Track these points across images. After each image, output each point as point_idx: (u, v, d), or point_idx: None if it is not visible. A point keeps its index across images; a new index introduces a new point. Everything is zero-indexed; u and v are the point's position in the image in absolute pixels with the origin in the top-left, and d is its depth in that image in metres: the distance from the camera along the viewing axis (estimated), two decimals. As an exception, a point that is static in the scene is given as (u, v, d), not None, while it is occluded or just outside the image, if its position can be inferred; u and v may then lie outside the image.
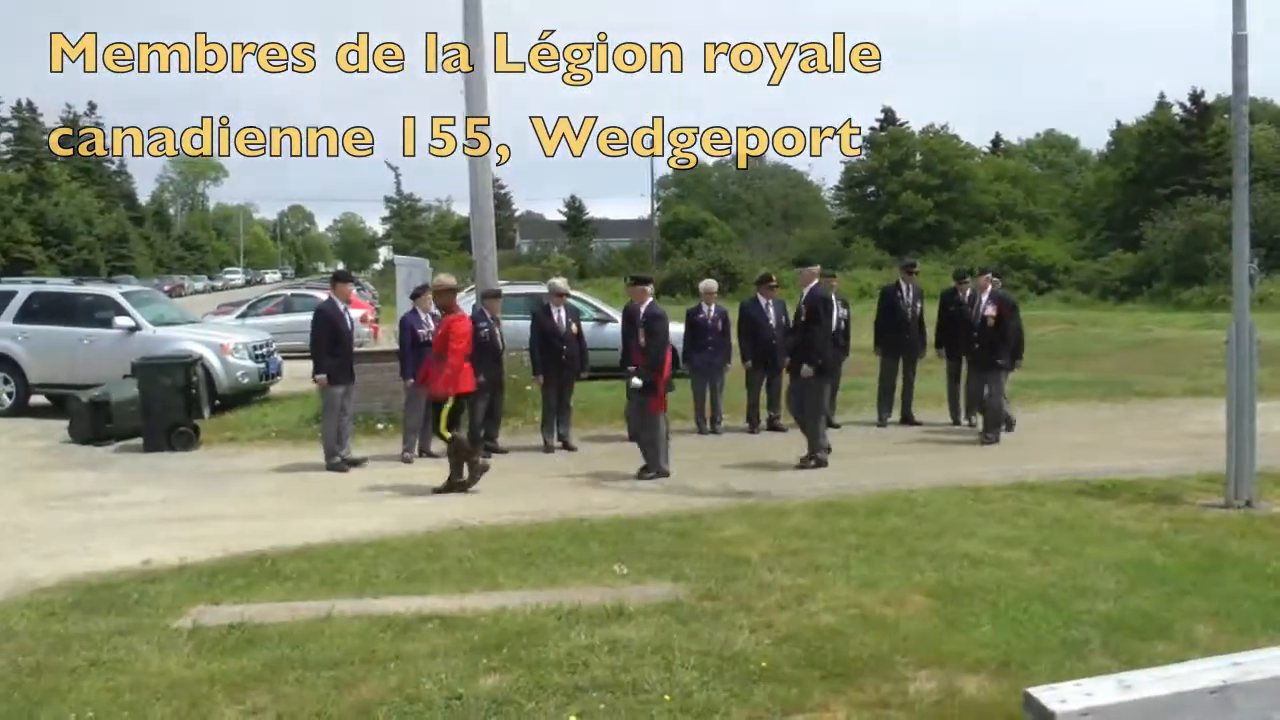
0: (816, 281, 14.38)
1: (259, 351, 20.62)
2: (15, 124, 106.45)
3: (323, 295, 30.16)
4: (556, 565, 8.90)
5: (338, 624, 7.40)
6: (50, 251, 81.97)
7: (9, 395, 20.11)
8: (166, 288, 60.49)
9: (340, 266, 58.18)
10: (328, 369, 14.19)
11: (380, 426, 16.67)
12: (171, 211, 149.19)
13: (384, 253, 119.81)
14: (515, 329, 16.11)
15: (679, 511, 11.01)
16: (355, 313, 22.56)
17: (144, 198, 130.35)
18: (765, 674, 6.38)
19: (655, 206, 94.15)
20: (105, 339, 19.72)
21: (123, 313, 19.95)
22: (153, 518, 11.79)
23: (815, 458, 13.81)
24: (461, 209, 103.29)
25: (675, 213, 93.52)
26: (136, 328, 19.75)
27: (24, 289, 21.39)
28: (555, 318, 15.63)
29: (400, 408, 15.86)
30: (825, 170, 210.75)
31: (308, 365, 14.80)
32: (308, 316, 28.61)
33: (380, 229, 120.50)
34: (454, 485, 12.53)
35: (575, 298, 16.81)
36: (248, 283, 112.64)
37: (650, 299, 14.13)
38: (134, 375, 16.81)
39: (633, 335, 15.01)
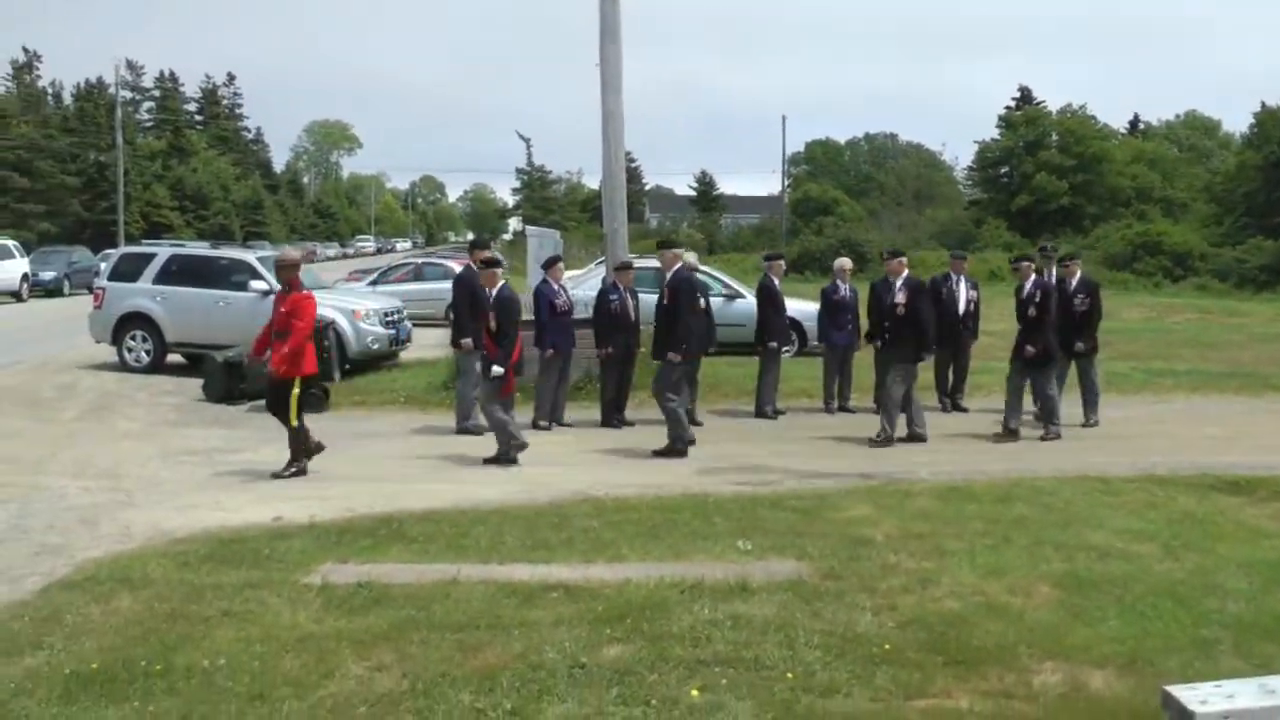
0: (680, 264, 14.00)
1: (390, 318, 20.89)
2: (157, 93, 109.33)
3: (452, 263, 30.62)
4: (680, 539, 8.91)
5: (463, 588, 7.49)
6: (188, 216, 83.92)
7: (147, 353, 20.68)
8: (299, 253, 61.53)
9: (471, 236, 58.87)
10: (470, 334, 14.33)
11: (517, 395, 16.79)
12: (305, 180, 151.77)
13: (514, 223, 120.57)
14: (643, 303, 16.10)
15: (803, 490, 10.95)
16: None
17: (279, 166, 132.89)
18: (888, 657, 6.32)
19: (786, 183, 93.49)
20: (240, 301, 20.13)
21: (258, 276, 20.34)
22: (283, 476, 12.04)
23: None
24: (592, 181, 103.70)
25: (806, 190, 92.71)
26: (270, 291, 20.11)
27: (163, 251, 21.98)
28: (686, 292, 15.62)
29: (531, 376, 15.97)
30: (958, 149, 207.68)
31: (436, 332, 14.96)
32: (437, 285, 29.26)
33: (510, 200, 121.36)
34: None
35: (704, 273, 16.78)
36: (379, 250, 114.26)
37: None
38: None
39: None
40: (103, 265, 30.95)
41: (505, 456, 12.48)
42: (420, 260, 38.13)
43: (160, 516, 10.11)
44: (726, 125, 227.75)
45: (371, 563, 8.22)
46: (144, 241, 29.81)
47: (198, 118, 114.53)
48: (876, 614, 7.06)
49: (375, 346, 20.33)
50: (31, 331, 28.04)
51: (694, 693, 5.80)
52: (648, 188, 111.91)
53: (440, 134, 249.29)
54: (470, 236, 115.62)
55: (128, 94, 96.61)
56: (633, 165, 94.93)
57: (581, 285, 20.75)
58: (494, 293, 12.91)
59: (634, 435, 14.44)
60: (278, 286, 19.91)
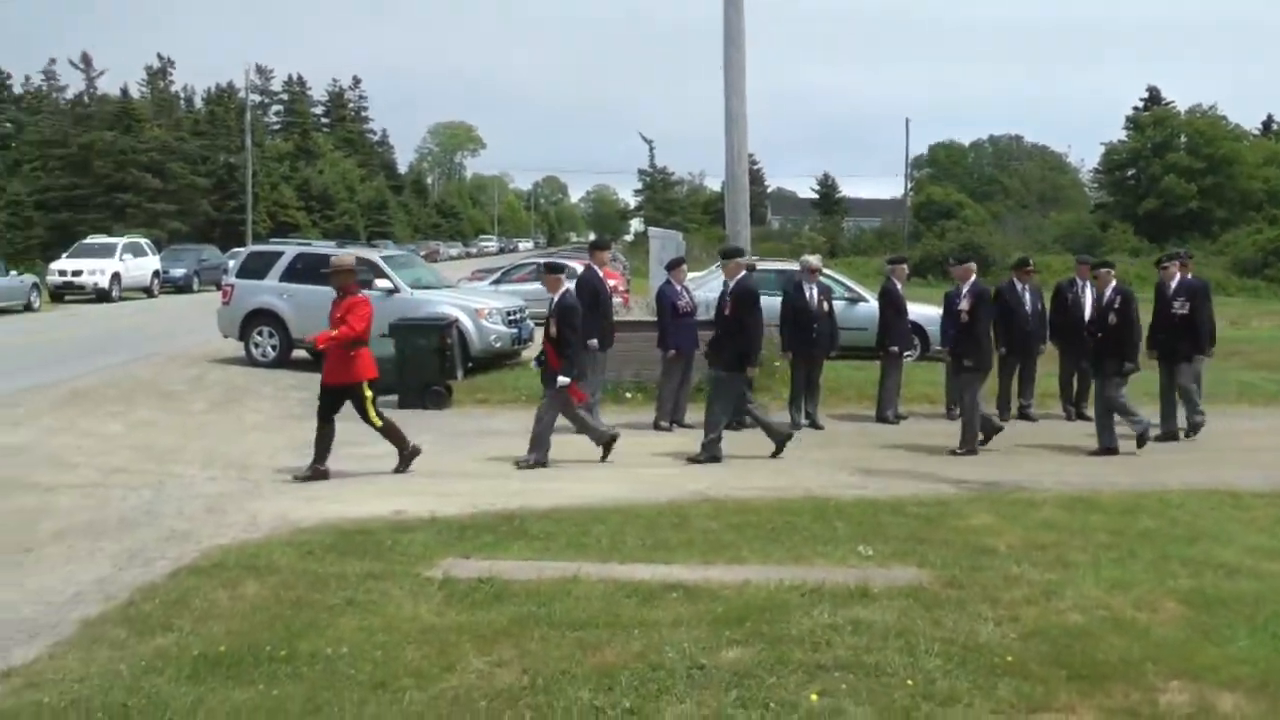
0: (743, 273, 13.82)
1: (512, 317, 21.08)
2: (285, 97, 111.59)
3: (574, 264, 30.75)
4: (801, 542, 8.86)
5: (583, 586, 7.53)
6: (314, 216, 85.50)
7: (273, 348, 21.14)
8: (423, 253, 62.24)
9: (593, 236, 59.00)
10: (594, 334, 14.43)
11: (629, 395, 16.87)
12: (429, 180, 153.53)
13: (635, 224, 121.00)
14: (765, 305, 16.04)
15: (925, 496, 10.83)
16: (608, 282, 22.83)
17: (403, 167, 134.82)
18: (1010, 668, 6.21)
19: (908, 186, 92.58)
20: (364, 300, 20.42)
21: (382, 275, 20.65)
22: (404, 471, 12.21)
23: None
24: (714, 183, 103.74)
25: (928, 193, 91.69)
26: (395, 290, 20.40)
27: (290, 250, 22.46)
28: (807, 295, 15.53)
29: (652, 377, 16.03)
30: (1085, 151, 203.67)
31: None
32: (560, 285, 29.31)
33: (632, 201, 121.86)
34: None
35: (827, 275, 16.72)
36: (501, 250, 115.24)
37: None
38: (391, 335, 17.40)
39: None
40: (231, 263, 31.59)
41: (530, 464, 12.40)
42: (542, 260, 38.37)
43: (286, 507, 10.34)
44: (849, 127, 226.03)
45: (493, 559, 8.29)
46: (271, 240, 30.43)
47: (324, 120, 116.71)
48: (998, 624, 6.94)
49: (498, 345, 20.53)
50: (162, 326, 28.73)
51: (813, 697, 5.76)
52: (770, 190, 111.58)
53: (563, 135, 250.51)
54: (592, 237, 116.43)
55: (257, 98, 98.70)
56: (755, 167, 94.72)
57: (702, 287, 20.74)
58: (556, 299, 12.74)
59: (754, 438, 14.38)
60: (403, 285, 20.44)
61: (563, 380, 12.34)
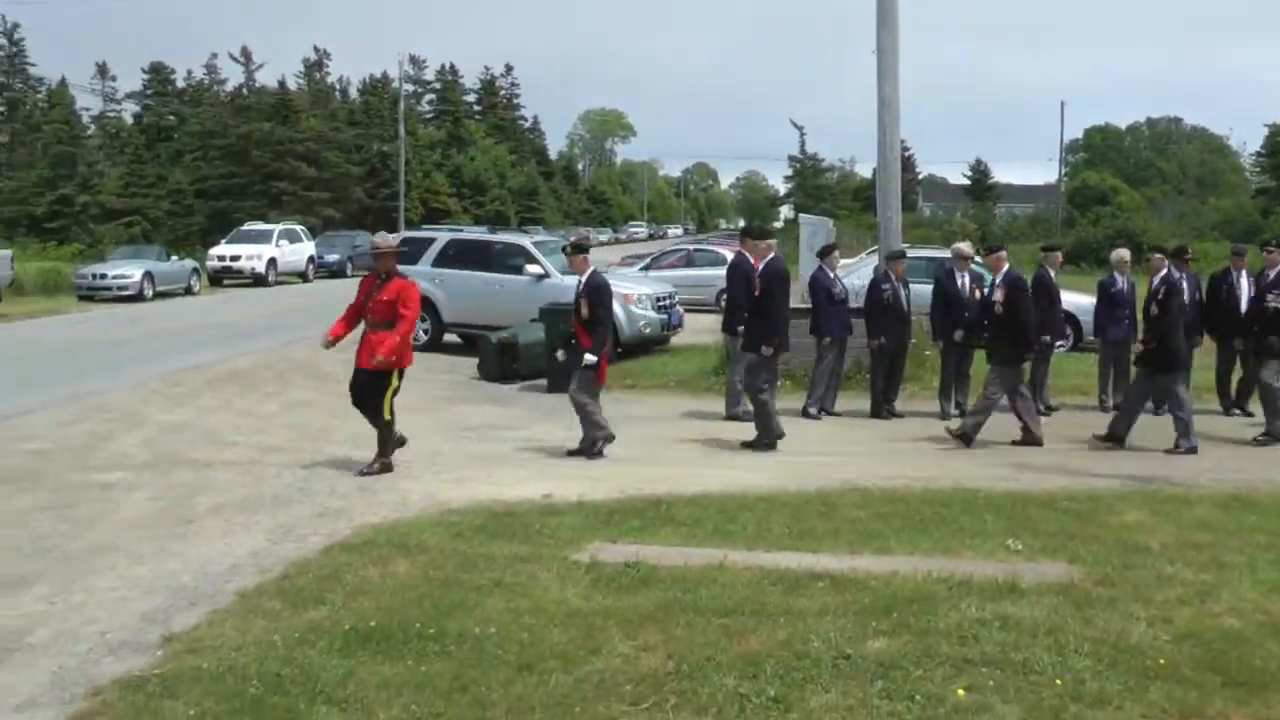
0: (772, 255, 13.54)
1: (662, 303, 21.15)
2: (438, 86, 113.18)
3: (724, 250, 30.76)
4: (949, 534, 8.75)
5: (729, 573, 7.52)
6: (465, 202, 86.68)
7: (425, 332, 21.50)
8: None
9: (743, 223, 58.73)
10: (743, 321, 14.42)
11: (780, 383, 16.80)
12: (580, 167, 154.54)
13: (784, 211, 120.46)
14: (916, 293, 15.88)
15: (1076, 491, 10.58)
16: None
17: (554, 154, 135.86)
18: (1162, 671, 6.03)
19: (1063, 171, 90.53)
20: (515, 284, 20.71)
21: (533, 260, 20.90)
22: (552, 454, 12.35)
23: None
24: (865, 169, 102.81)
25: (1083, 178, 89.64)
26: (545, 275, 20.62)
27: (442, 236, 22.91)
28: (958, 283, 15.33)
29: (800, 364, 15.97)
30: (1247, 134, 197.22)
31: (707, 318, 15.06)
32: (709, 270, 29.44)
33: (782, 188, 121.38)
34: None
35: (979, 263, 16.44)
36: (650, 237, 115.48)
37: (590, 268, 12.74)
38: (541, 320, 17.60)
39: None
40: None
41: (591, 449, 12.22)
42: (692, 246, 38.44)
43: (436, 488, 10.54)
44: (1002, 111, 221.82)
45: (640, 543, 8.34)
46: (423, 227, 30.94)
47: (476, 108, 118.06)
48: (1151, 625, 6.75)
49: (647, 331, 20.62)
50: (316, 310, 29.34)
51: (960, 692, 5.70)
52: (921, 176, 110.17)
53: (713, 121, 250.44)
54: (741, 224, 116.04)
55: (410, 87, 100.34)
56: (906, 153, 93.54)
57: (852, 274, 20.59)
58: (584, 280, 12.46)
59: (903, 427, 14.28)
60: (553, 271, 20.63)
61: (590, 359, 12.16)
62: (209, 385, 16.64)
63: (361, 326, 11.57)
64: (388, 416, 11.28)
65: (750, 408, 13.97)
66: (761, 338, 12.92)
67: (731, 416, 14.60)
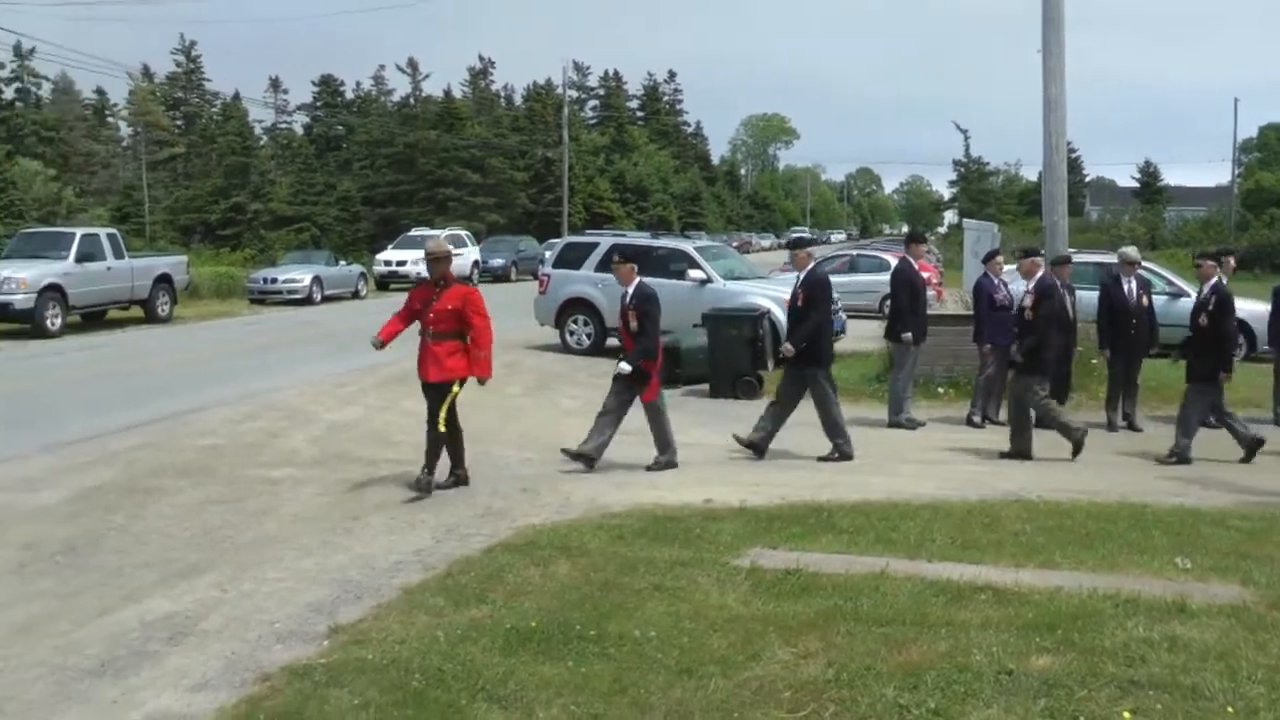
0: (812, 264, 13.07)
1: (823, 309, 21.03)
2: (601, 92, 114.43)
3: (888, 256, 30.52)
4: (1115, 550, 8.50)
5: (891, 582, 7.43)
6: (628, 207, 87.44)
7: (588, 336, 21.78)
8: (735, 244, 62.68)
9: (906, 228, 58.16)
10: (910, 327, 14.28)
11: (940, 390, 16.63)
12: (742, 172, 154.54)
13: (948, 216, 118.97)
14: (1082, 299, 15.54)
15: (1250, 509, 10.21)
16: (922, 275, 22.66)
17: (717, 159, 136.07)
18: (1344, 703, 5.74)
19: (1236, 172, 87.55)
20: (678, 290, 20.72)
21: (695, 266, 20.95)
22: (714, 460, 12.40)
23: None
24: (1030, 173, 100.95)
25: (1258, 179, 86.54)
26: (708, 280, 20.66)
27: (605, 241, 23.05)
28: (1125, 289, 14.97)
29: (964, 372, 15.76)
30: None
31: (870, 324, 14.94)
32: (872, 276, 29.23)
33: (946, 192, 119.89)
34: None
35: (1146, 269, 16.03)
36: (813, 242, 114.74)
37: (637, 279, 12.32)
38: (704, 325, 17.64)
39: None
40: (547, 254, 32.57)
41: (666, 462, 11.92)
42: (855, 252, 38.14)
43: (597, 490, 10.60)
44: (1172, 111, 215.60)
45: (801, 550, 8.28)
46: (586, 231, 31.29)
47: (639, 114, 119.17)
48: (1331, 652, 6.47)
49: (809, 337, 20.50)
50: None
51: (1125, 715, 5.51)
52: (1088, 179, 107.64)
53: (877, 126, 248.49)
54: (905, 229, 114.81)
55: (574, 94, 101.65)
56: (1073, 155, 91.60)
57: (1018, 280, 20.20)
58: (630, 290, 12.09)
59: (1057, 438, 13.97)
60: (716, 276, 20.65)
61: (624, 367, 11.80)
62: (376, 386, 16.98)
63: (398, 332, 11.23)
64: (442, 428, 10.73)
65: (912, 415, 13.87)
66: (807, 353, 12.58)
67: (894, 424, 14.47)
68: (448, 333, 10.75)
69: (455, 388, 10.77)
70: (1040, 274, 13.31)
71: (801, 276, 12.85)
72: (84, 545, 8.97)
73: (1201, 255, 14.02)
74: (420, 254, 42.21)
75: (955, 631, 6.51)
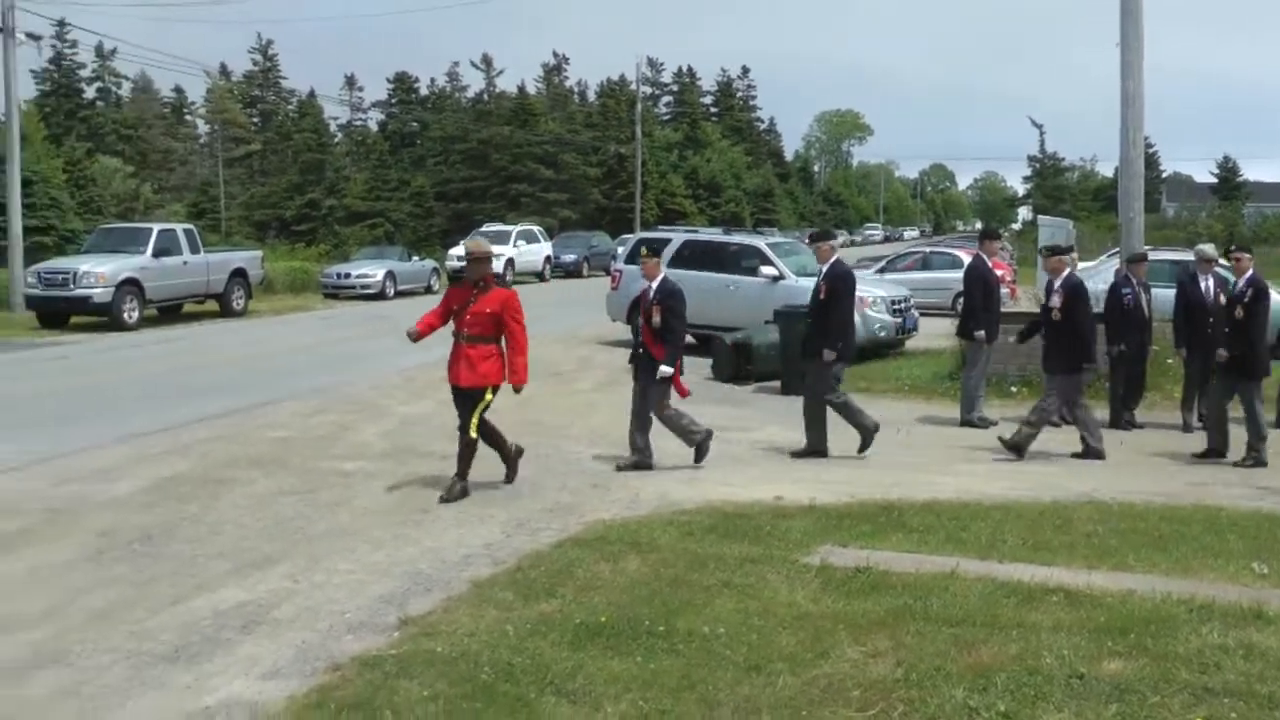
0: (836, 258, 12.74)
1: (897, 306, 20.94)
2: (675, 88, 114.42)
3: (961, 253, 30.27)
4: (1189, 554, 8.37)
5: (961, 583, 7.39)
6: (701, 204, 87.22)
7: (668, 334, 21.69)
8: (808, 240, 62.51)
9: (980, 225, 57.70)
10: (984, 325, 14.15)
11: (1014, 389, 16.47)
12: (815, 168, 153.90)
13: (1022, 212, 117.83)
14: (1158, 298, 15.30)
15: (1329, 513, 10.01)
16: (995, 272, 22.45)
17: (790, 155, 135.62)
18: None
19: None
20: (750, 286, 20.72)
21: (768, 262, 20.88)
22: (784, 457, 12.34)
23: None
24: (1106, 168, 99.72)
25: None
26: (780, 277, 20.58)
27: (678, 237, 23.05)
28: (1202, 287, 14.70)
29: (1036, 370, 15.57)
30: None
31: (943, 321, 14.83)
32: (945, 274, 29.01)
33: (1020, 188, 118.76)
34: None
35: (1224, 267, 15.74)
36: (886, 239, 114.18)
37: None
38: (775, 321, 17.58)
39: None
40: (620, 250, 32.66)
41: (701, 450, 11.81)
42: (928, 249, 37.88)
43: (668, 487, 10.63)
44: (1251, 105, 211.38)
45: (870, 548, 8.26)
46: (659, 227, 31.23)
47: (713, 110, 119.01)
48: None
49: (882, 334, 20.45)
50: (552, 309, 29.92)
51: (1200, 722, 5.47)
52: (1165, 175, 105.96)
53: (951, 121, 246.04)
54: (978, 225, 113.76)
55: (647, 89, 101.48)
56: (1150, 150, 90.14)
57: (1092, 278, 19.97)
58: (654, 285, 11.74)
59: (1143, 438, 13.80)
60: (788, 272, 20.58)
61: (665, 371, 11.44)
62: (446, 381, 17.06)
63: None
64: (474, 435, 10.36)
65: (984, 413, 13.75)
66: (823, 343, 12.44)
67: (966, 422, 14.35)
68: (483, 336, 10.33)
69: (488, 395, 10.38)
70: (1067, 272, 13.06)
71: (824, 270, 12.65)
72: (159, 534, 9.11)
73: (1238, 249, 13.76)
74: (494, 249, 42.97)
75: (1026, 633, 6.46)
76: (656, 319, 11.53)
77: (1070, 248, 15.75)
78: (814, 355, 12.50)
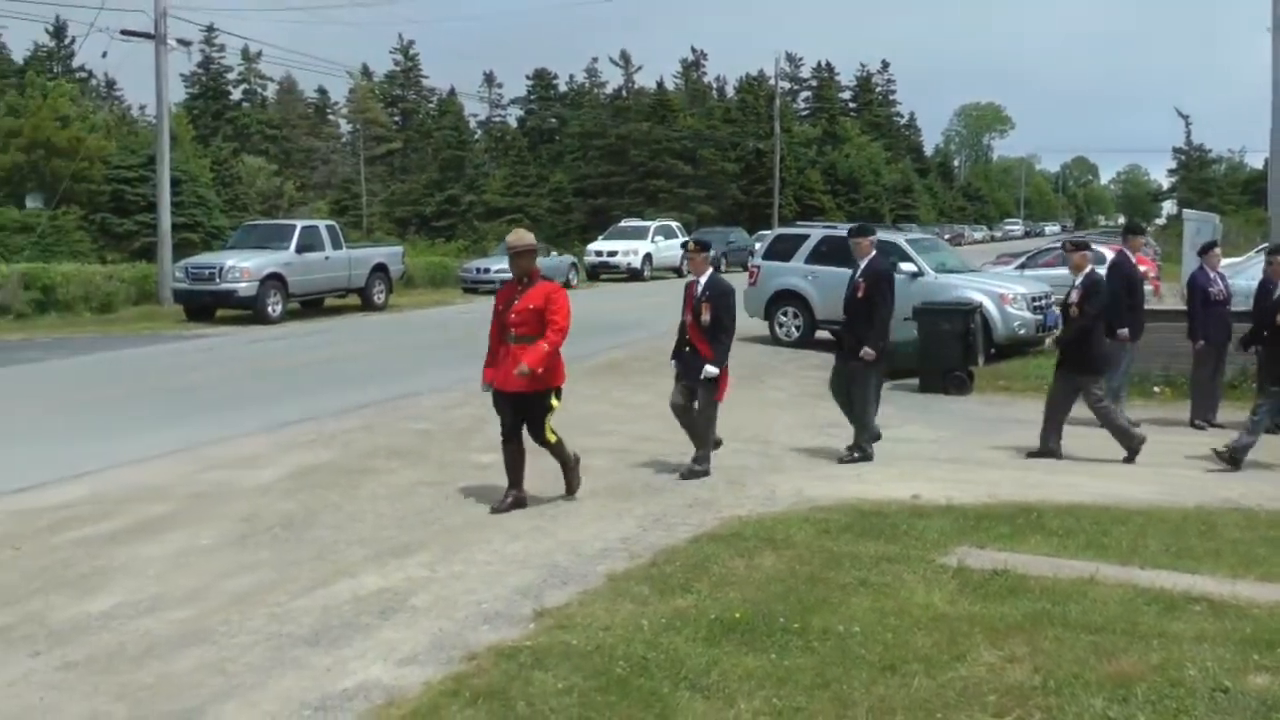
0: (874, 254, 12.15)
1: (1037, 303, 20.57)
2: (814, 83, 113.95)
3: (1103, 248, 29.61)
4: (1344, 563, 8.11)
5: (1101, 589, 7.24)
6: (839, 200, 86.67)
7: (797, 328, 21.73)
8: (947, 236, 61.71)
9: (1123, 219, 56.34)
10: (1128, 323, 13.87)
11: (1156, 390, 16.11)
12: (955, 163, 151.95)
13: (1167, 206, 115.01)
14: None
15: None
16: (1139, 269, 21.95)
17: (929, 149, 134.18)
18: None
19: None
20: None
21: (906, 258, 20.64)
22: (921, 455, 12.28)
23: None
24: (1255, 160, 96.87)
25: None
26: (919, 273, 20.36)
27: (816, 233, 23.03)
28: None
29: (1181, 370, 15.23)
30: None
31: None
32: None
33: (1165, 182, 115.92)
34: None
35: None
36: (1026, 234, 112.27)
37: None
38: (914, 319, 17.41)
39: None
40: (757, 245, 32.57)
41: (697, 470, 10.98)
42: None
43: (804, 483, 10.58)
44: None
45: (1008, 551, 8.13)
46: (797, 223, 31.14)
47: (851, 105, 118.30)
48: None
49: (1022, 331, 20.11)
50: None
51: (1351, 739, 5.28)
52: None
53: (1094, 113, 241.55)
54: (1121, 220, 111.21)
55: (786, 85, 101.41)
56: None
57: (1240, 274, 19.42)
58: (703, 281, 11.20)
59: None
60: (927, 269, 20.36)
61: (711, 371, 10.89)
62: (586, 375, 17.17)
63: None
64: (552, 439, 9.82)
65: (1126, 414, 13.45)
66: (866, 342, 11.96)
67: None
68: (532, 335, 9.57)
69: (552, 400, 9.74)
70: (1089, 269, 12.52)
71: (862, 266, 12.14)
72: (300, 521, 9.34)
73: (1274, 250, 13.23)
74: (631, 244, 43.29)
75: (1168, 643, 6.29)
76: (706, 316, 11.01)
77: (1214, 243, 15.36)
78: (853, 355, 12.01)
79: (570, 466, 10.08)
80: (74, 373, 18.95)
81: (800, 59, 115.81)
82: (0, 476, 10.74)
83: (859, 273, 12.16)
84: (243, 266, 27.11)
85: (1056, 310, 21.06)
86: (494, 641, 6.51)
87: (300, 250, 28.58)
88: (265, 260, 27.71)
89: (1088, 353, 12.21)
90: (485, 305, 31.05)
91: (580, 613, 6.93)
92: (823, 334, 21.67)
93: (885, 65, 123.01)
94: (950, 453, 12.22)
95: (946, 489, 10.13)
